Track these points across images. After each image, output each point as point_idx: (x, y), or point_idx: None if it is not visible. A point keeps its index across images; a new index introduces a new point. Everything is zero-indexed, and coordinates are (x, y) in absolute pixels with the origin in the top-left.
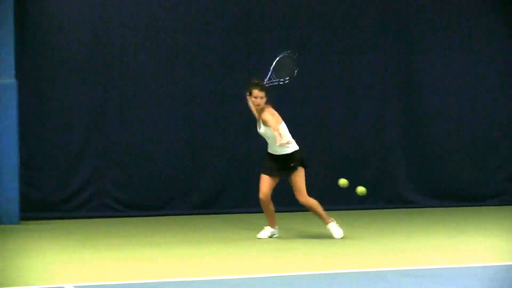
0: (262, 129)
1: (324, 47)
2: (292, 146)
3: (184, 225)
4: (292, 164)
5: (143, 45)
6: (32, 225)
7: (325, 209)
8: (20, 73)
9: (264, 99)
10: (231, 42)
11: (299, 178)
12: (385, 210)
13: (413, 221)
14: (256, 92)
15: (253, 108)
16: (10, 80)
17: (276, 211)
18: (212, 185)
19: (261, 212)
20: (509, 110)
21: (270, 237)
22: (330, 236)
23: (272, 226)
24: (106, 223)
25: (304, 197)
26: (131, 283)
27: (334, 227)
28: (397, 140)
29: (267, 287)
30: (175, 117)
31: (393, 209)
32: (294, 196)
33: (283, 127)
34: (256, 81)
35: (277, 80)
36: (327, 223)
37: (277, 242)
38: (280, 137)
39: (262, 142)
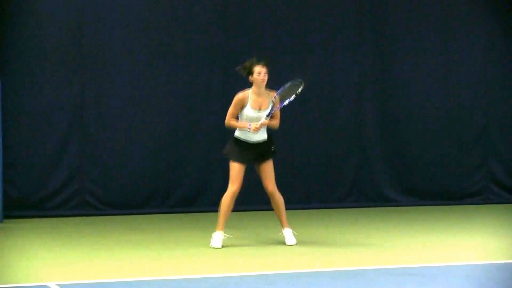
0: (260, 112)
1: (301, 46)
2: (266, 134)
3: (163, 224)
4: (272, 148)
5: (121, 43)
6: (14, 223)
7: (304, 208)
8: (1, 72)
9: (267, 75)
10: (210, 38)
11: (272, 165)
12: (364, 208)
13: (392, 220)
14: (259, 68)
15: (253, 90)
16: None
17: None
18: (192, 183)
19: (241, 210)
20: (489, 107)
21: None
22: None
23: (222, 228)
24: (87, 221)
25: (275, 186)
26: (112, 282)
27: (290, 233)
28: (376, 138)
29: (247, 286)
30: (155, 115)
31: (373, 208)
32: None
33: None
34: (254, 58)
35: (288, 101)
36: (284, 227)
37: (254, 241)
38: (266, 124)
39: None
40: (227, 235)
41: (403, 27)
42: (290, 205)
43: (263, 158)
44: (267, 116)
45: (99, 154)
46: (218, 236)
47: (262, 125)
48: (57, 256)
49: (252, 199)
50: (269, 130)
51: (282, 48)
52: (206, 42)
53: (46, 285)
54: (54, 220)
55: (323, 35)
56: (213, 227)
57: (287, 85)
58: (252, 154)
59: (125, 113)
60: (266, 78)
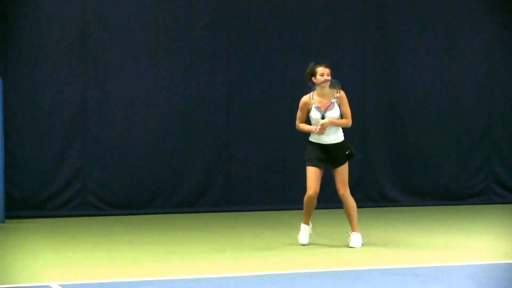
0: (326, 113)
1: (304, 46)
2: (341, 135)
3: (166, 224)
4: (347, 152)
5: (124, 43)
6: (16, 223)
7: (301, 208)
8: (1, 72)
9: (330, 77)
10: (212, 40)
11: (347, 169)
12: (367, 208)
13: (395, 220)
14: (322, 69)
15: (316, 92)
16: None
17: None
18: (195, 184)
19: (243, 211)
20: (492, 108)
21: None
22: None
23: (307, 223)
24: (89, 221)
25: (347, 190)
26: (114, 282)
27: (357, 237)
28: (378, 138)
29: (249, 286)
30: (157, 115)
31: (375, 208)
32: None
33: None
34: (317, 61)
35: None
36: (353, 231)
37: (259, 240)
38: (327, 124)
39: (244, 141)
40: (309, 228)
41: (406, 26)
42: (292, 205)
43: (336, 162)
44: (322, 118)
45: (101, 154)
46: (302, 229)
47: (323, 125)
48: (60, 256)
49: (254, 200)
50: (346, 133)
51: (285, 48)
52: (209, 43)
53: (48, 285)
54: (56, 220)
55: (326, 35)
56: (215, 227)
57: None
58: (327, 156)
59: (127, 113)
60: (329, 79)
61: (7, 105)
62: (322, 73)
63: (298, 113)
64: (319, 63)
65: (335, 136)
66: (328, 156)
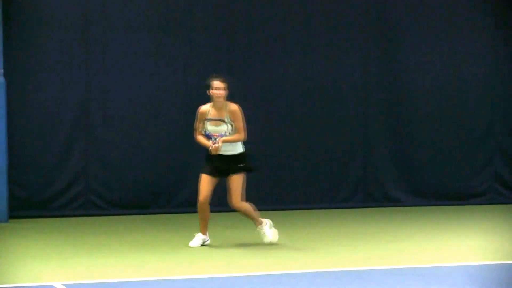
0: (220, 126)
1: (305, 46)
2: (239, 147)
3: (168, 224)
4: (241, 165)
5: (127, 43)
6: (19, 223)
7: (309, 208)
8: (4, 71)
9: (225, 92)
10: (214, 39)
11: (239, 181)
12: (370, 208)
13: (398, 220)
14: (217, 83)
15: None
16: None
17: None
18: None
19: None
20: (495, 108)
21: (202, 244)
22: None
23: (204, 232)
24: (92, 221)
25: (237, 202)
26: (117, 282)
27: (266, 230)
28: (381, 138)
29: (253, 286)
30: (160, 115)
31: (378, 208)
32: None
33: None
34: (216, 74)
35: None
36: (258, 225)
37: (258, 241)
38: (220, 146)
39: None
40: (205, 238)
41: (408, 25)
42: (296, 205)
43: (228, 173)
44: (215, 139)
45: (104, 154)
46: (197, 238)
47: (216, 148)
48: (63, 256)
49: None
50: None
51: (286, 47)
52: (212, 45)
53: (51, 285)
54: (59, 220)
55: (328, 34)
56: (217, 227)
57: None
58: (219, 166)
59: (130, 114)
60: (222, 94)
61: (10, 105)
62: (217, 87)
63: (196, 123)
64: (216, 76)
65: (231, 147)
66: (222, 166)
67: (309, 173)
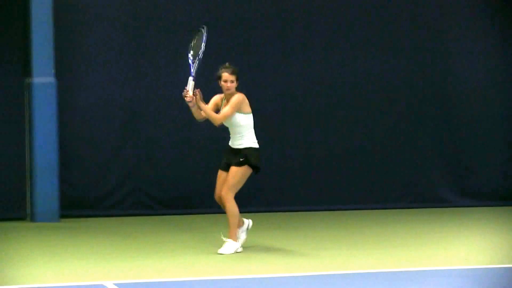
0: (232, 119)
1: (354, 48)
2: (248, 142)
3: (219, 224)
4: (241, 159)
5: (175, 42)
6: (70, 222)
7: (359, 209)
8: (55, 72)
9: (235, 84)
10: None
11: (238, 174)
12: (420, 209)
13: (448, 221)
14: (226, 75)
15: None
16: (50, 79)
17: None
18: (248, 183)
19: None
20: None
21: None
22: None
23: (241, 225)
24: (142, 220)
25: (226, 192)
26: (168, 281)
27: (229, 245)
28: (431, 138)
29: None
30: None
31: (428, 209)
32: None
33: (248, 119)
34: (227, 65)
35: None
36: (229, 237)
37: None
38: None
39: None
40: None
41: (458, 30)
42: (345, 205)
43: (231, 164)
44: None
45: (154, 153)
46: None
47: (194, 97)
48: (114, 255)
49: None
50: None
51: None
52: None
53: (102, 284)
54: (109, 219)
55: (382, 37)
56: (267, 227)
57: (193, 43)
58: (229, 159)
59: (180, 112)
60: (232, 86)
61: (61, 105)
62: (225, 79)
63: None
64: (226, 67)
65: (241, 141)
66: (230, 159)
67: (359, 174)
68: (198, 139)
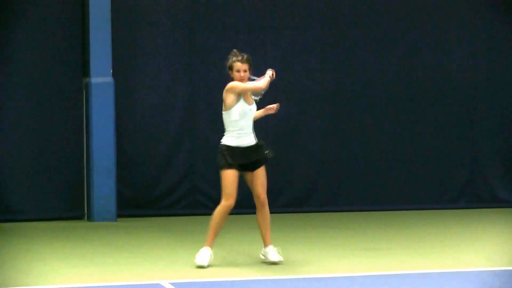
0: (251, 106)
1: (415, 44)
2: (254, 136)
3: (274, 224)
4: (266, 151)
5: (231, 41)
6: (128, 222)
7: (415, 209)
8: (113, 72)
9: (248, 73)
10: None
11: (265, 172)
12: (477, 209)
13: (505, 221)
14: (238, 65)
15: (235, 87)
16: (108, 79)
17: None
18: (301, 183)
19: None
20: None
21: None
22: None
23: (211, 245)
24: (199, 220)
25: (266, 196)
26: (225, 281)
27: (274, 251)
28: (489, 137)
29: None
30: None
31: (486, 209)
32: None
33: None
34: (237, 53)
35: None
36: (268, 245)
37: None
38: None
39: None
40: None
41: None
42: (403, 205)
43: (256, 165)
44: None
45: (210, 153)
46: (205, 252)
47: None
48: (170, 255)
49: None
50: (259, 136)
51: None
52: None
53: (159, 284)
54: (167, 219)
55: (436, 32)
56: (323, 227)
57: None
58: (245, 160)
59: None
60: (245, 76)
61: (118, 105)
62: (238, 69)
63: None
64: (237, 56)
65: (252, 136)
66: (247, 160)
67: (415, 173)
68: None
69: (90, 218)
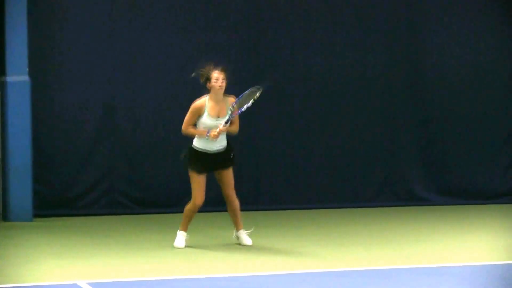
0: (218, 120)
1: (329, 45)
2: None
3: (196, 223)
4: (231, 155)
5: (152, 43)
6: (44, 222)
7: (333, 207)
8: (30, 70)
9: (225, 82)
10: (236, 40)
11: (231, 173)
12: (395, 207)
13: (423, 219)
14: (217, 74)
15: (210, 97)
16: (24, 77)
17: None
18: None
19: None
20: None
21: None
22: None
23: (186, 230)
24: (118, 220)
25: (234, 193)
26: (143, 280)
27: (245, 234)
28: (407, 136)
29: (270, 286)
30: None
31: (403, 207)
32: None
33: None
34: (212, 64)
35: (246, 107)
36: (239, 229)
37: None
38: (223, 130)
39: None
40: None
41: (435, 24)
42: (319, 204)
43: (223, 167)
44: (226, 123)
45: (130, 152)
46: (181, 236)
47: (220, 132)
48: (88, 254)
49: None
50: (228, 137)
51: (312, 46)
52: (233, 45)
53: (76, 283)
54: (84, 219)
55: (354, 33)
56: (251, 225)
57: (246, 92)
58: (212, 163)
59: (156, 112)
60: (224, 84)
61: (35, 104)
62: (217, 78)
63: (188, 117)
64: (215, 66)
65: (223, 142)
66: (214, 163)
67: (333, 172)
68: (174, 138)
69: (6, 218)
